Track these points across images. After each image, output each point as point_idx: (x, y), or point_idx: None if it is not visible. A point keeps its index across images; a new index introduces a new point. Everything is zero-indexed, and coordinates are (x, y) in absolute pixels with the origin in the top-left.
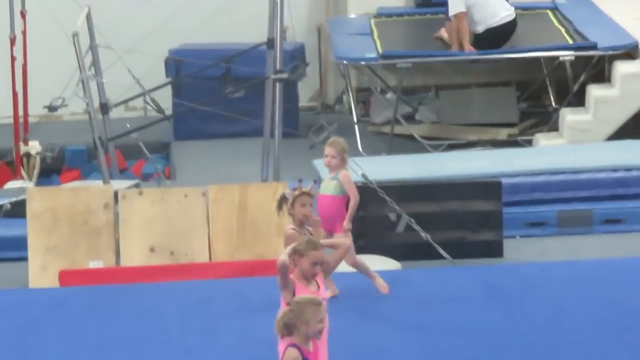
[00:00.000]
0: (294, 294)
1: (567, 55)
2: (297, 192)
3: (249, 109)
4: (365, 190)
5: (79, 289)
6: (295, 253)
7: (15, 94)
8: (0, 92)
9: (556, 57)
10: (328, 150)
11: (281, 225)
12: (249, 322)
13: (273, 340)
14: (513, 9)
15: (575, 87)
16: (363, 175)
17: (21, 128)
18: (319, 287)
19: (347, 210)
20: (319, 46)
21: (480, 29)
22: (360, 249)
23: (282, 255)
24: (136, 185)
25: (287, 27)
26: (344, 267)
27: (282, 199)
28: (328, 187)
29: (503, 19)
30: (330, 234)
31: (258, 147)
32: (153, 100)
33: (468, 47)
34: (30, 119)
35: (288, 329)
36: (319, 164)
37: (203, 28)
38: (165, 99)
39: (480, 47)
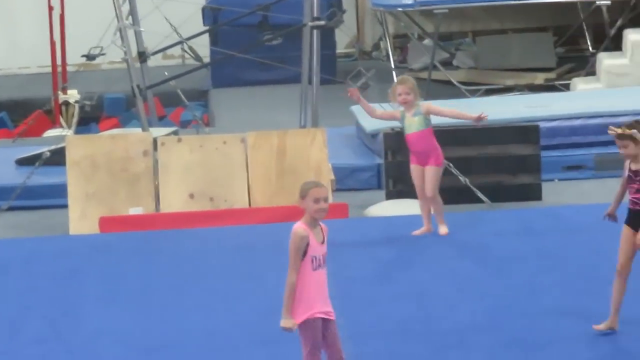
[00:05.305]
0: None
1: None
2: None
3: (286, 56)
4: (403, 135)
5: (119, 235)
6: (299, 196)
7: (53, 43)
8: (39, 42)
9: (593, 2)
10: (401, 88)
11: (320, 170)
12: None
13: None
14: None
15: (612, 32)
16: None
17: (60, 77)
18: (324, 239)
19: (436, 140)
20: None
21: None
22: (399, 194)
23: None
24: (175, 133)
25: None
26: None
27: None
28: (412, 125)
29: None
30: (422, 167)
31: (296, 94)
32: (191, 48)
33: None
34: (69, 68)
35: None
36: (356, 110)
37: None
38: (203, 47)
39: None
